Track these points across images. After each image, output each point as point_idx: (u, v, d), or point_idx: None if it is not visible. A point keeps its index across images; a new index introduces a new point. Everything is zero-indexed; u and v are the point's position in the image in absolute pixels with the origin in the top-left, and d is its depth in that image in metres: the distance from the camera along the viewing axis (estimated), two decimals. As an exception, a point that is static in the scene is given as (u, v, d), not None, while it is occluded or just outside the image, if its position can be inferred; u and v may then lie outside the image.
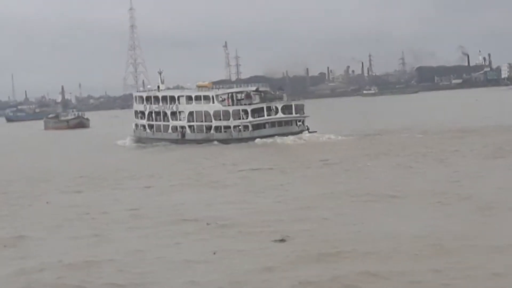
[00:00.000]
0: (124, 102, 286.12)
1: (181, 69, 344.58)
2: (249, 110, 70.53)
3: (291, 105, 71.07)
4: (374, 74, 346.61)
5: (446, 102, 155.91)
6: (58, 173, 51.28)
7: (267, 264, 20.75)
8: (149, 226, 27.70)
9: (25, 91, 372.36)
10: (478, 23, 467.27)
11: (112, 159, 63.04)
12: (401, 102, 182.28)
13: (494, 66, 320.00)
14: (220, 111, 72.21)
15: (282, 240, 23.76)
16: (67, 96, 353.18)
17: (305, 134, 69.40)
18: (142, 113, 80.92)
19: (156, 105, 78.69)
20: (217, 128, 72.46)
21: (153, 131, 79.42)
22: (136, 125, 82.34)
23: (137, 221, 29.27)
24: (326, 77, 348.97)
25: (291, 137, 68.07)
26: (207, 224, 27.19)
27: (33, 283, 20.35)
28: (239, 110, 71.36)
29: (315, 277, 19.27)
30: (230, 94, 73.79)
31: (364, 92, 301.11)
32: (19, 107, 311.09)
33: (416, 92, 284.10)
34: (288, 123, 70.55)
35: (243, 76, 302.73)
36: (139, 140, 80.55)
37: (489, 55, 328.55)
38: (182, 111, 75.66)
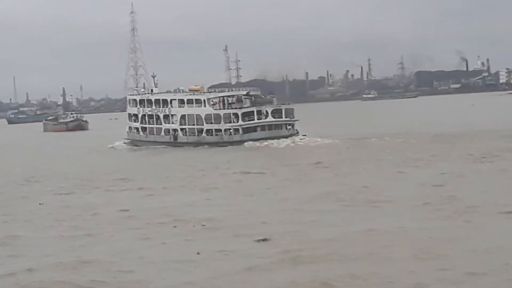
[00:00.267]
0: (124, 104, 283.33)
1: (181, 72, 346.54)
2: (239, 114, 71.67)
3: (281, 109, 72.19)
4: (373, 79, 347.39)
5: (443, 107, 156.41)
6: (51, 175, 52.16)
7: (249, 265, 21.36)
8: (138, 227, 28.37)
9: (27, 93, 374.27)
10: (477, 28, 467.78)
11: (105, 162, 63.79)
12: (399, 107, 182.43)
13: (492, 71, 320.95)
14: (211, 114, 73.37)
15: (265, 240, 24.47)
16: (68, 99, 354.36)
17: (295, 138, 70.34)
18: (136, 116, 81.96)
19: (149, 108, 79.75)
20: (209, 131, 73.56)
21: (146, 134, 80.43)
22: (130, 127, 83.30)
23: (127, 222, 29.95)
24: (326, 81, 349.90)
25: (280, 141, 69.16)
26: (193, 226, 27.89)
27: (22, 282, 20.90)
28: (230, 113, 72.45)
29: (294, 278, 19.85)
30: (221, 98, 74.86)
31: (364, 96, 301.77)
32: (20, 109, 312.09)
33: (415, 96, 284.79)
34: (278, 126, 71.64)
35: (243, 79, 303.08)
36: (132, 143, 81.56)
37: (487, 60, 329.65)
38: (175, 114, 76.76)
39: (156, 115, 78.99)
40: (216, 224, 28.29)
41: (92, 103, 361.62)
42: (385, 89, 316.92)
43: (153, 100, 79.68)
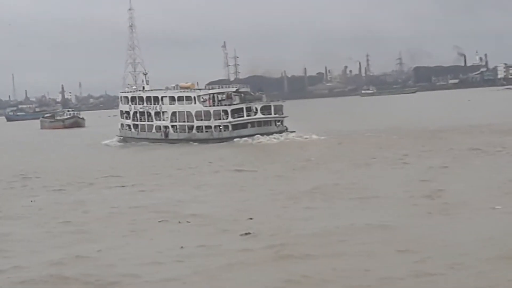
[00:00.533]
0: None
1: (180, 69, 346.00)
2: (229, 111, 72.13)
3: (270, 106, 72.79)
4: (371, 74, 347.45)
5: (441, 103, 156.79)
6: (44, 172, 52.64)
7: (231, 259, 21.84)
8: (126, 223, 28.87)
9: (26, 91, 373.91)
10: (475, 23, 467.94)
11: (97, 159, 64.28)
12: (398, 102, 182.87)
13: (490, 66, 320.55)
14: (201, 111, 73.86)
15: (247, 234, 25.03)
16: (67, 96, 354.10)
17: (284, 134, 70.88)
18: (127, 113, 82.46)
19: (141, 105, 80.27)
20: (199, 128, 74.11)
21: (138, 130, 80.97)
22: (122, 125, 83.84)
23: (115, 218, 30.39)
24: (324, 77, 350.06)
25: (270, 137, 69.70)
26: (179, 222, 28.35)
27: (11, 278, 21.31)
28: (219, 110, 72.97)
29: (274, 272, 20.38)
30: (211, 95, 75.39)
31: (363, 92, 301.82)
32: (19, 106, 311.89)
33: (414, 92, 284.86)
34: (267, 123, 72.15)
35: (242, 76, 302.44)
36: (124, 140, 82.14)
37: (485, 55, 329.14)
38: (166, 111, 77.33)
39: (147, 112, 79.54)
40: (202, 219, 28.72)
41: (91, 100, 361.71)
42: (383, 85, 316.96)
43: (144, 98, 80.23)
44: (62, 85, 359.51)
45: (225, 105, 73.44)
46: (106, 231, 27.63)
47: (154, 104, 78.65)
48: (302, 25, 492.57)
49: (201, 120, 73.87)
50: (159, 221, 28.86)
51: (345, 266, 20.58)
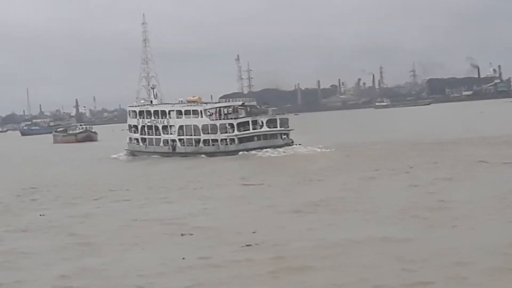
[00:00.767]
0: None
1: (193, 83, 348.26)
2: (235, 124, 72.57)
3: (276, 119, 73.18)
4: (385, 86, 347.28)
5: (452, 114, 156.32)
6: (53, 185, 53.28)
7: (231, 272, 22.03)
8: (131, 236, 29.27)
9: (40, 105, 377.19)
10: (488, 35, 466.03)
11: (105, 172, 64.74)
12: (410, 115, 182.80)
13: (504, 77, 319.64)
14: (208, 125, 74.37)
15: (248, 245, 25.30)
16: (81, 110, 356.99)
17: (289, 147, 71.02)
18: (136, 127, 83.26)
19: (149, 119, 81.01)
20: (206, 141, 74.55)
21: (146, 144, 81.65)
22: (130, 138, 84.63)
23: (121, 231, 30.73)
24: (338, 90, 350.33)
25: (275, 150, 69.86)
26: (182, 234, 28.69)
27: None
28: (225, 124, 73.47)
29: (274, 285, 20.62)
30: (217, 109, 75.90)
31: (377, 104, 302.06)
32: (33, 121, 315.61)
33: (428, 104, 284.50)
34: (273, 136, 72.45)
35: (255, 88, 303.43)
36: (132, 153, 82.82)
37: (499, 67, 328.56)
38: (173, 125, 77.96)
39: (155, 126, 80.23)
40: (206, 232, 29.01)
41: (105, 114, 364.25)
42: (397, 97, 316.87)
43: (152, 112, 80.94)
44: (76, 99, 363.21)
45: (231, 118, 73.88)
46: (112, 244, 28.03)
47: (162, 118, 79.31)
48: (315, 38, 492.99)
49: (208, 133, 74.33)
50: (163, 234, 29.23)
51: (344, 278, 20.69)
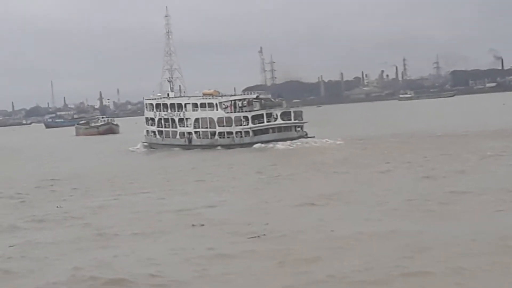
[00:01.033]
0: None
1: (216, 75, 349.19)
2: (249, 117, 73.19)
3: (290, 112, 73.59)
4: (408, 78, 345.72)
5: (475, 106, 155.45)
6: (71, 177, 54.02)
7: (241, 263, 22.27)
8: (146, 227, 29.72)
9: (64, 98, 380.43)
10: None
11: (123, 164, 65.63)
12: (433, 107, 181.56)
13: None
14: (223, 117, 75.10)
15: (257, 237, 25.57)
16: (105, 102, 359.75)
17: (304, 140, 71.40)
18: (152, 119, 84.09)
19: (165, 112, 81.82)
20: (221, 134, 75.30)
21: (163, 137, 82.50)
22: (147, 131, 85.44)
23: (137, 223, 30.95)
24: (361, 82, 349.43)
25: (289, 143, 70.21)
26: (193, 225, 29.11)
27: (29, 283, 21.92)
28: (240, 116, 74.16)
29: (281, 276, 20.66)
30: (232, 102, 76.45)
31: (401, 96, 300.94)
32: (58, 113, 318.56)
33: (452, 95, 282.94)
34: (287, 129, 72.88)
35: (278, 81, 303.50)
36: (149, 146, 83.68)
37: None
38: (189, 118, 78.76)
39: (171, 118, 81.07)
40: (218, 223, 29.37)
41: (129, 106, 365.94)
42: (420, 89, 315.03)
43: (168, 104, 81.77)
44: (100, 92, 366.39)
45: (246, 111, 74.52)
46: (125, 234, 28.52)
47: (178, 111, 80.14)
48: (338, 30, 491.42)
49: (223, 126, 75.02)
50: (176, 225, 29.68)
51: (349, 268, 20.94)
